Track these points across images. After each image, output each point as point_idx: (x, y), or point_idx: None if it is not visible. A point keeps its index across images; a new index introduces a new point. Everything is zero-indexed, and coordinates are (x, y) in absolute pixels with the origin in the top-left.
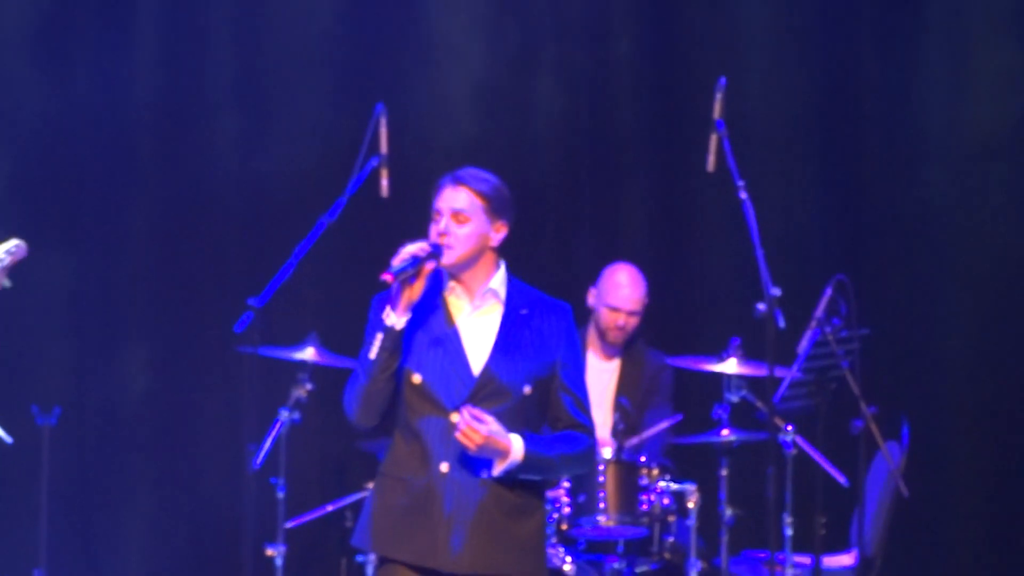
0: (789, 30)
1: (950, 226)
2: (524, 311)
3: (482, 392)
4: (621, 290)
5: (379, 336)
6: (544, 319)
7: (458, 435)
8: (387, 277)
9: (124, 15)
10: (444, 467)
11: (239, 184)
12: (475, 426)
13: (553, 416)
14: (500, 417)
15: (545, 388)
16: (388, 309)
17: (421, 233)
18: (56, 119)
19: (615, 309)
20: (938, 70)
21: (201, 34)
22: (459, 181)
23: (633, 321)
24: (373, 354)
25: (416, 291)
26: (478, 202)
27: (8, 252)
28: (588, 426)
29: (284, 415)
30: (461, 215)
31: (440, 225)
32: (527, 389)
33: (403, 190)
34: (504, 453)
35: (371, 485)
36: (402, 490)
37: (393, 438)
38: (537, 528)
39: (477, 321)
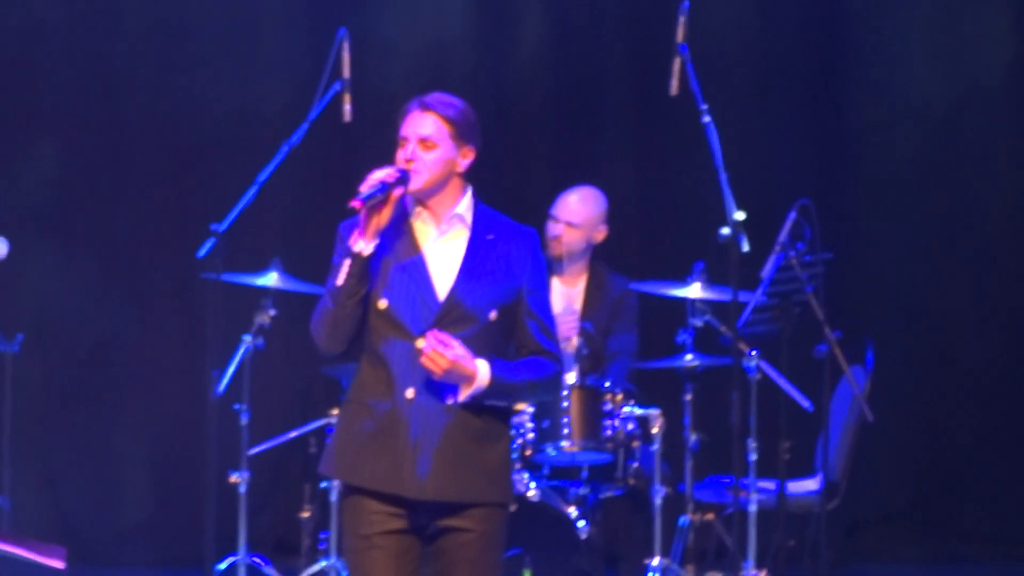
0: None
1: (918, 149)
2: (490, 236)
3: (447, 317)
4: (565, 202)
5: (346, 262)
6: (510, 244)
7: (423, 359)
8: (356, 204)
9: None
10: (410, 392)
11: (201, 109)
12: (440, 350)
13: (519, 342)
14: (466, 342)
15: (511, 314)
16: (355, 235)
17: (384, 158)
18: (16, 34)
19: (554, 219)
20: None
21: None
22: (426, 107)
23: (573, 236)
24: (340, 280)
25: (384, 217)
26: (445, 128)
27: None
28: (555, 352)
29: (247, 341)
30: (428, 141)
31: (407, 151)
32: (493, 314)
33: (366, 115)
34: (470, 378)
35: (336, 412)
36: (367, 415)
37: (359, 363)
38: (503, 454)
39: (443, 246)
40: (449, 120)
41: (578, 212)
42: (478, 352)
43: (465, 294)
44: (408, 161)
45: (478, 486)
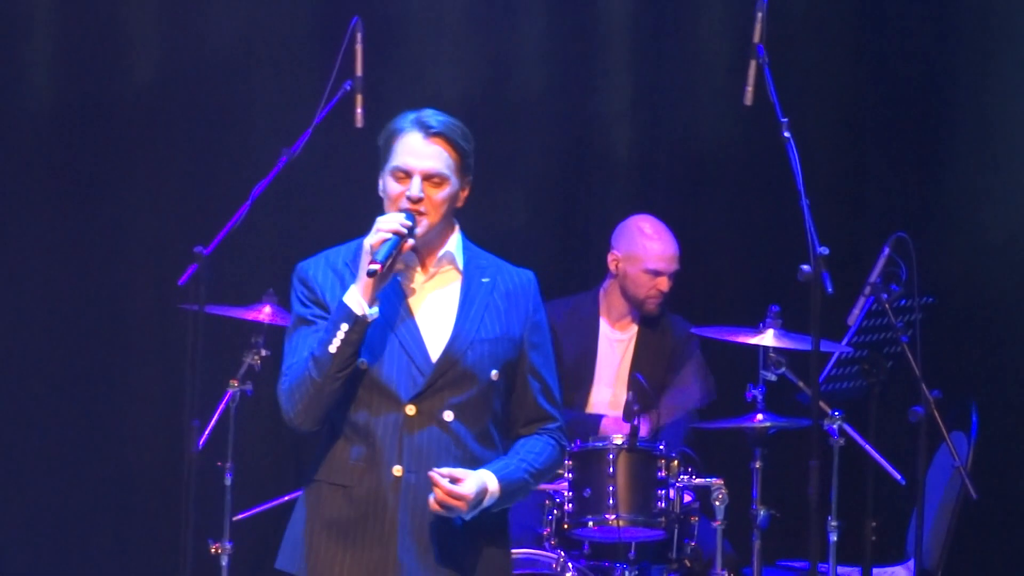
0: None
1: None
2: (485, 280)
3: (442, 380)
4: (660, 249)
5: (343, 327)
6: (508, 290)
7: (432, 506)
8: (377, 267)
9: None
10: (397, 470)
11: (186, 111)
12: (456, 491)
13: (516, 402)
14: (461, 409)
15: (512, 371)
16: (355, 295)
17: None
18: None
19: (656, 273)
20: None
21: None
22: (431, 132)
23: (671, 283)
24: (334, 347)
25: (388, 274)
26: (452, 159)
27: None
28: (558, 417)
29: (234, 386)
30: (437, 177)
31: (413, 190)
32: (494, 374)
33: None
34: (480, 499)
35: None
36: (343, 500)
37: (326, 437)
38: (502, 530)
39: (433, 294)
40: (456, 150)
41: (677, 257)
42: (475, 420)
43: (463, 352)
44: (415, 202)
45: (476, 571)
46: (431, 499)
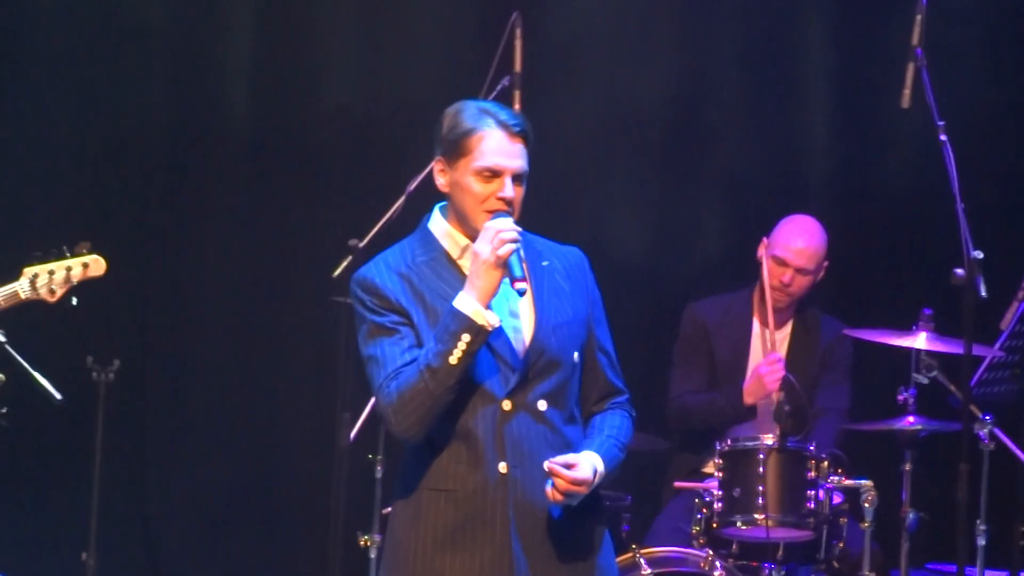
0: None
1: None
2: (545, 263)
3: (533, 370)
4: (793, 241)
5: (464, 338)
6: (567, 270)
7: (553, 497)
8: (525, 285)
9: None
10: (503, 467)
11: (342, 108)
12: (577, 477)
13: (588, 380)
14: (554, 397)
15: (585, 351)
16: (471, 304)
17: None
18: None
19: (782, 262)
20: None
21: None
22: (515, 132)
23: (802, 283)
24: (455, 358)
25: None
26: (527, 154)
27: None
28: (625, 391)
29: None
30: (522, 175)
31: (506, 191)
32: (576, 356)
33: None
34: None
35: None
36: (448, 504)
37: (418, 445)
38: (600, 506)
39: (503, 287)
40: (529, 145)
41: (811, 255)
42: (565, 404)
43: (547, 340)
44: (508, 203)
45: (589, 562)
46: (549, 489)
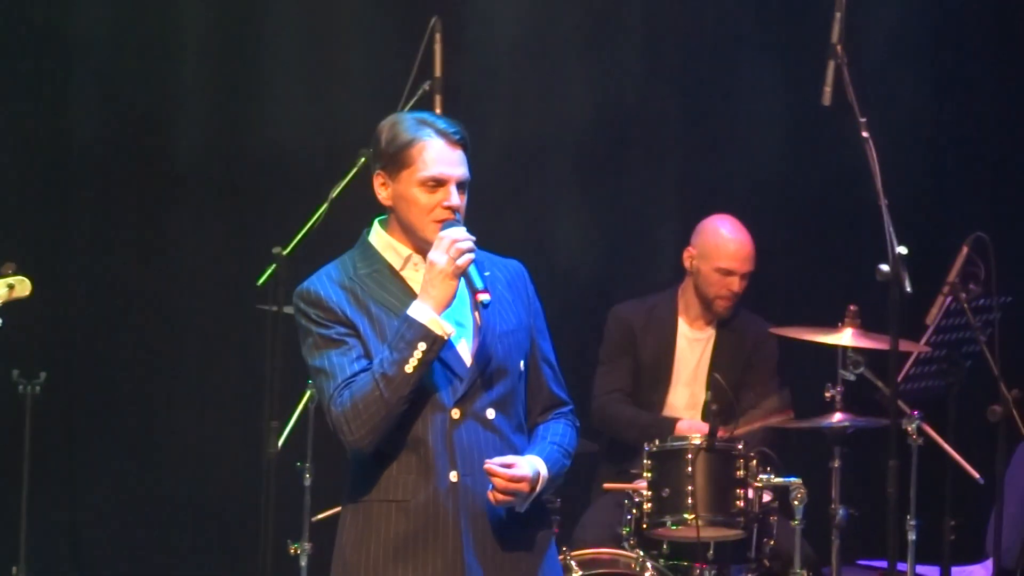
0: None
1: None
2: (487, 274)
3: (481, 378)
4: (733, 248)
5: (420, 347)
6: (508, 280)
7: (495, 499)
8: (487, 295)
9: None
10: (454, 476)
11: (262, 114)
12: (515, 475)
13: (532, 392)
14: (502, 404)
15: (528, 361)
16: (427, 313)
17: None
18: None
19: (729, 272)
20: None
21: None
22: (455, 139)
23: (745, 283)
24: (411, 367)
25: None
26: (467, 160)
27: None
28: (569, 402)
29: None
30: (465, 183)
31: (452, 200)
32: (522, 364)
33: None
34: (535, 484)
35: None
36: (399, 515)
37: (366, 456)
38: (546, 512)
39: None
40: (468, 152)
41: (751, 254)
42: (512, 412)
43: (494, 347)
44: (455, 210)
45: (534, 567)
46: (490, 492)
